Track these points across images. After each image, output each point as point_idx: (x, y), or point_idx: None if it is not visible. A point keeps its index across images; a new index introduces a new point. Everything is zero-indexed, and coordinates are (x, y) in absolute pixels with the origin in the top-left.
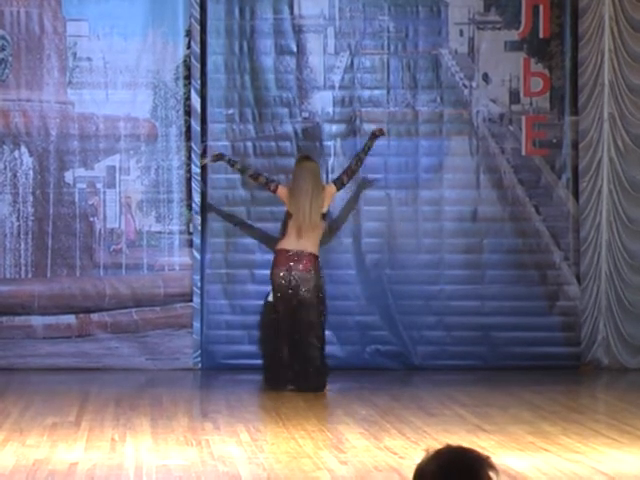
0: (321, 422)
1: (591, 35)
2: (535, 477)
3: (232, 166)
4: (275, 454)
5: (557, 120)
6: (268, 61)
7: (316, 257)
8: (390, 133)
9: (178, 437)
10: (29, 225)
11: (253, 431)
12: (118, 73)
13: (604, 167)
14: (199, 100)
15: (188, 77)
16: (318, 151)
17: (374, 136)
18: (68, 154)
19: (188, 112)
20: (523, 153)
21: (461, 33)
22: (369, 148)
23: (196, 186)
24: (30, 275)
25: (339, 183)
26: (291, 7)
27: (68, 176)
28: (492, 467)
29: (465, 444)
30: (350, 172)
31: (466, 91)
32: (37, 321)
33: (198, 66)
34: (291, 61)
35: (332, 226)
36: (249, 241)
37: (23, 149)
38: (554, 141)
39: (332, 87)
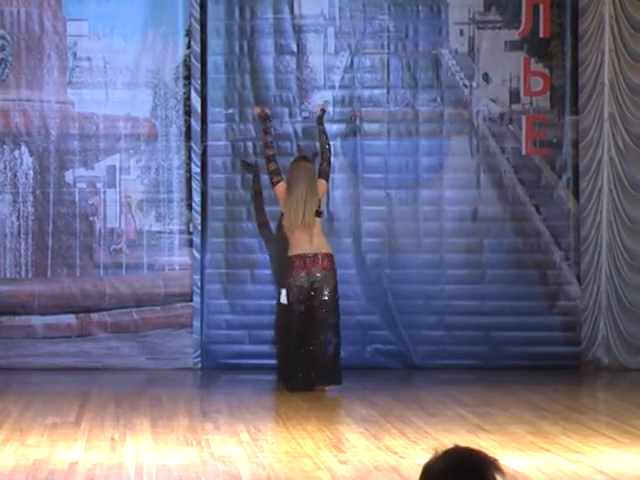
0: (321, 422)
1: (591, 35)
2: (535, 477)
3: (265, 134)
4: (275, 454)
5: (557, 120)
6: (268, 61)
7: (332, 256)
8: (390, 133)
9: (178, 437)
10: (29, 225)
11: (253, 431)
12: (118, 73)
13: (604, 167)
14: (199, 100)
15: (188, 77)
16: (318, 151)
17: (319, 117)
18: (68, 154)
19: (188, 112)
20: (523, 153)
21: (461, 33)
22: (322, 131)
23: (196, 186)
24: (30, 275)
25: (325, 176)
26: (291, 7)
27: (68, 176)
28: (499, 470)
29: (466, 444)
30: (326, 159)
31: (466, 91)
32: (37, 321)
33: (198, 66)
34: (291, 61)
35: (332, 226)
36: (249, 241)
37: (23, 149)
38: (554, 141)
39: (332, 87)
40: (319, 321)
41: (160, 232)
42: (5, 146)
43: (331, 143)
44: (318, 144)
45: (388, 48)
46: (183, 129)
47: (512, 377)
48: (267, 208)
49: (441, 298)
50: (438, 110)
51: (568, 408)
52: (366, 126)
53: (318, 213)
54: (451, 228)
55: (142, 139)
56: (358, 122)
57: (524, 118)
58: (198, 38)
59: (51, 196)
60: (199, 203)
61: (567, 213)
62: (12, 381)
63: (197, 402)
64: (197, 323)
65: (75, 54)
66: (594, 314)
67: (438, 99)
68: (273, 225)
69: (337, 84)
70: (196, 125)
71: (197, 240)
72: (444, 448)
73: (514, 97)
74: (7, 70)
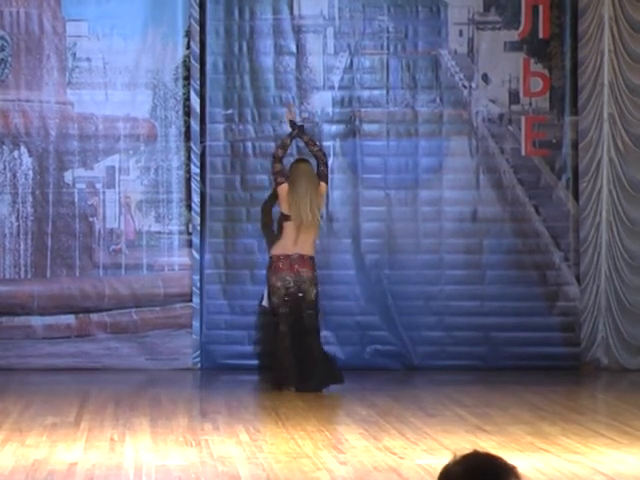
0: (320, 422)
1: (591, 35)
2: (535, 477)
3: (289, 137)
4: (274, 454)
5: (557, 120)
6: (267, 61)
7: (313, 259)
8: (390, 133)
9: (177, 437)
10: (29, 225)
11: (252, 431)
12: (117, 73)
13: (604, 167)
14: (198, 100)
15: (187, 77)
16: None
17: (294, 129)
18: (68, 154)
19: (187, 112)
20: (523, 153)
21: (460, 33)
22: (307, 142)
23: (195, 186)
24: (30, 275)
25: (325, 178)
26: (290, 7)
27: (67, 176)
28: (518, 477)
29: (465, 444)
30: (322, 162)
31: (466, 91)
32: (37, 321)
33: (197, 66)
34: (290, 61)
35: (331, 226)
36: (248, 241)
37: (23, 149)
38: (554, 141)
39: (331, 87)
40: (305, 323)
41: (159, 233)
42: (4, 146)
43: (322, 146)
44: (311, 153)
45: (387, 49)
46: (182, 129)
47: (511, 378)
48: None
49: (440, 299)
50: (437, 111)
51: (567, 409)
52: (365, 127)
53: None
54: (450, 229)
55: (141, 140)
56: (357, 123)
57: (523, 119)
58: (197, 38)
59: (50, 196)
60: (198, 203)
61: (567, 214)
62: (12, 381)
63: (196, 402)
64: (196, 323)
65: (74, 55)
66: (593, 315)
67: (437, 100)
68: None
69: (336, 85)
70: (195, 125)
71: (196, 240)
72: (462, 453)
73: (513, 98)
74: (7, 70)
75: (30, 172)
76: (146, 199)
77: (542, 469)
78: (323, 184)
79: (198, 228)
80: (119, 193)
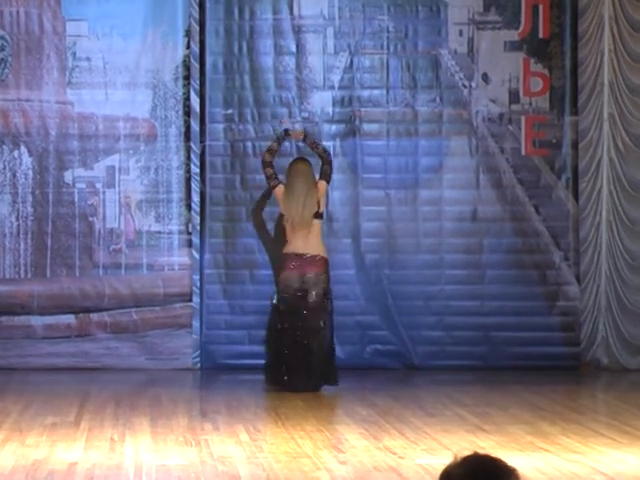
0: (320, 422)
1: (591, 35)
2: (534, 477)
3: (276, 142)
4: (274, 454)
5: (557, 120)
6: (267, 61)
7: (327, 260)
8: (390, 133)
9: (177, 437)
10: (28, 225)
11: (252, 431)
12: (117, 73)
13: (604, 167)
14: (198, 100)
15: (187, 77)
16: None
17: (305, 141)
18: (67, 154)
19: (187, 112)
20: (523, 153)
21: (460, 33)
22: (312, 146)
23: (195, 186)
24: (29, 275)
25: (325, 177)
26: (290, 7)
27: (67, 176)
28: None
29: (465, 444)
30: (326, 162)
31: (465, 91)
32: (37, 321)
33: (197, 66)
34: (290, 61)
35: (331, 226)
36: (248, 241)
37: (23, 149)
38: (554, 141)
39: (331, 87)
40: (305, 324)
41: (159, 232)
42: (4, 146)
43: (327, 146)
44: (320, 155)
45: (387, 48)
46: (182, 129)
47: (511, 377)
48: (266, 209)
49: (440, 298)
50: (437, 110)
51: (567, 408)
52: (365, 126)
53: (318, 214)
54: (450, 228)
55: (141, 139)
56: (357, 122)
57: (523, 118)
58: (197, 38)
59: (50, 196)
60: (198, 203)
61: (566, 213)
62: (12, 381)
63: (196, 402)
64: (196, 323)
65: (74, 54)
66: (594, 314)
67: (437, 99)
68: (272, 225)
69: (336, 84)
70: (195, 125)
71: (196, 240)
72: (463, 454)
73: (513, 97)
74: (7, 70)
75: (30, 172)
76: (146, 199)
77: (542, 469)
78: (323, 182)
79: (198, 228)
80: (119, 193)
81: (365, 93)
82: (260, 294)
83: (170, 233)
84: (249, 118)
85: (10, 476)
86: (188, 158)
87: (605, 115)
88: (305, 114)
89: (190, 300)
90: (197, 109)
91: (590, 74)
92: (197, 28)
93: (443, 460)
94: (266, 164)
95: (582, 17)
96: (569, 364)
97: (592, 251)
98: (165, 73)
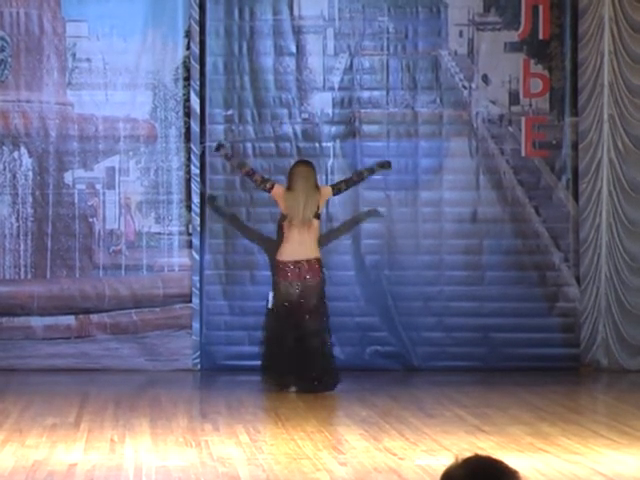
0: (320, 423)
1: (591, 36)
2: (534, 478)
3: (228, 160)
4: (274, 455)
5: (557, 121)
6: (267, 62)
7: (320, 260)
8: (390, 134)
9: (177, 438)
10: (28, 226)
11: (252, 432)
12: (117, 74)
13: (604, 168)
14: (198, 101)
15: (187, 78)
16: (317, 152)
17: (382, 167)
18: (67, 155)
19: (187, 113)
20: (523, 154)
21: (461, 34)
22: (373, 172)
23: (195, 187)
24: (30, 276)
25: (336, 188)
26: (291, 8)
27: (67, 177)
28: None
29: (465, 445)
30: (350, 182)
31: (466, 92)
32: (37, 322)
33: (197, 67)
34: (290, 62)
35: (331, 227)
36: (248, 242)
37: (23, 150)
38: (554, 142)
39: (331, 88)
40: (307, 327)
41: (159, 233)
42: (4, 147)
43: (363, 176)
44: (353, 174)
45: (387, 49)
46: (182, 130)
47: (511, 378)
48: (266, 209)
49: (440, 299)
50: (437, 111)
51: (567, 409)
52: (365, 127)
53: (317, 215)
54: (450, 229)
55: (141, 140)
56: (357, 123)
57: (523, 119)
58: (197, 39)
59: (50, 197)
60: (198, 204)
61: (566, 215)
62: (11, 382)
63: (196, 403)
64: (196, 324)
65: (74, 55)
66: (593, 316)
67: (437, 100)
68: (272, 226)
69: (336, 85)
70: (195, 126)
71: (196, 241)
72: (464, 456)
73: (513, 98)
74: (6, 71)
75: (30, 173)
76: (146, 200)
77: (542, 469)
78: (329, 189)
79: (198, 229)
80: (119, 194)
81: (365, 94)
82: (260, 295)
83: (170, 234)
84: (249, 119)
85: (10, 477)
86: (188, 159)
87: (605, 116)
88: (305, 115)
89: (190, 301)
90: (197, 110)
91: (590, 75)
92: (197, 29)
93: (443, 461)
94: (249, 173)
95: (582, 18)
96: (569, 365)
97: (592, 252)
98: (165, 74)
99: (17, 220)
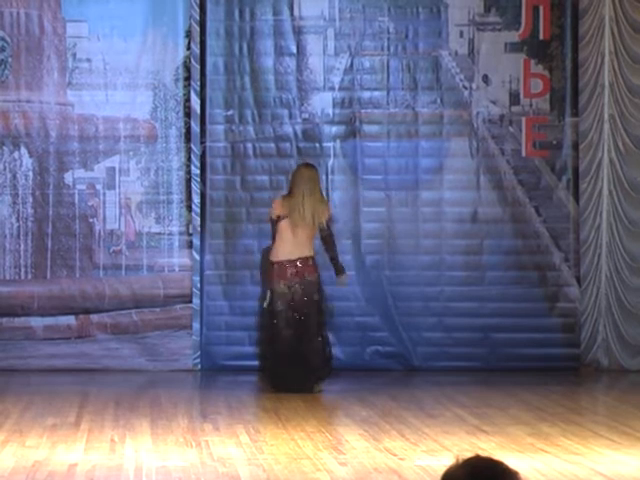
0: (321, 423)
1: (591, 36)
2: (534, 478)
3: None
4: (275, 455)
5: (557, 121)
6: (268, 62)
7: (314, 258)
8: (390, 134)
9: (178, 438)
10: (29, 226)
11: (253, 432)
12: (118, 74)
13: (604, 168)
14: (199, 101)
15: (188, 78)
16: (318, 152)
17: (337, 269)
18: (68, 155)
19: (188, 113)
20: (523, 154)
21: (461, 34)
22: (332, 263)
23: (196, 187)
24: (30, 276)
25: (329, 227)
26: (291, 8)
27: (68, 177)
28: None
29: (465, 445)
30: (326, 245)
31: (466, 92)
32: (37, 322)
33: (198, 67)
34: (291, 62)
35: (331, 227)
36: (248, 242)
37: (23, 150)
38: (554, 142)
39: (332, 88)
40: (307, 323)
41: (160, 233)
42: (5, 147)
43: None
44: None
45: (388, 50)
46: (183, 130)
47: (511, 378)
48: (266, 209)
49: (441, 300)
50: (438, 112)
51: (567, 409)
52: (366, 128)
53: (320, 224)
54: (451, 230)
55: (142, 141)
56: (358, 124)
57: (524, 120)
58: (198, 39)
59: (50, 197)
60: (199, 204)
61: (567, 215)
62: (12, 382)
63: (196, 403)
64: (196, 324)
65: (75, 55)
66: (594, 316)
67: (438, 101)
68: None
69: (337, 86)
70: (196, 126)
71: (197, 241)
72: (464, 456)
73: (514, 99)
74: (7, 71)
75: (30, 173)
76: (146, 200)
77: (542, 470)
78: (329, 211)
79: (198, 229)
80: (119, 194)
81: (365, 94)
82: (260, 295)
83: (170, 234)
84: (249, 119)
85: (10, 477)
86: (188, 159)
87: (605, 116)
88: (305, 115)
89: (190, 301)
90: (197, 110)
91: (590, 75)
92: (197, 29)
93: (443, 461)
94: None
95: (582, 18)
96: (569, 365)
97: (592, 252)
98: (165, 74)
99: (17, 220)
